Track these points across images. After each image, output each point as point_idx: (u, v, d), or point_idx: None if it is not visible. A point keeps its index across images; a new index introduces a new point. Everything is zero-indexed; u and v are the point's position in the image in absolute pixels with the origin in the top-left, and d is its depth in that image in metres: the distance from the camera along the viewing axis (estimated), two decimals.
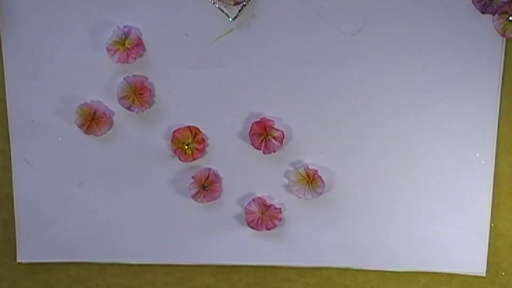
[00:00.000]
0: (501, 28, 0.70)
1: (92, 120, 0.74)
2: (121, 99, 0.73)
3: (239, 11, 0.71)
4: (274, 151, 0.74)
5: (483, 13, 0.70)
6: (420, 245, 0.76)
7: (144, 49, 0.73)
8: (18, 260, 0.78)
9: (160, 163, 0.75)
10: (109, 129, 0.74)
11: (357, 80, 0.73)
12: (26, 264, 0.79)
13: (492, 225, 0.76)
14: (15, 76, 0.74)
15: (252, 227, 0.76)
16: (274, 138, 0.73)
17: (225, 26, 0.72)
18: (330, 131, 0.74)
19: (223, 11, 0.71)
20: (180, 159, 0.74)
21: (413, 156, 0.74)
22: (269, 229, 0.76)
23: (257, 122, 0.73)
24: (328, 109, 0.74)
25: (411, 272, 0.77)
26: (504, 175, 0.75)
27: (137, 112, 0.73)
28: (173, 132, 0.74)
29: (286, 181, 0.75)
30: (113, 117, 0.74)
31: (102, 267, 0.79)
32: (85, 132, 0.74)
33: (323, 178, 0.74)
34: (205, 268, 0.79)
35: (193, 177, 0.75)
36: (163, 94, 0.74)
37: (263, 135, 0.73)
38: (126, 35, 0.72)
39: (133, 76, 0.73)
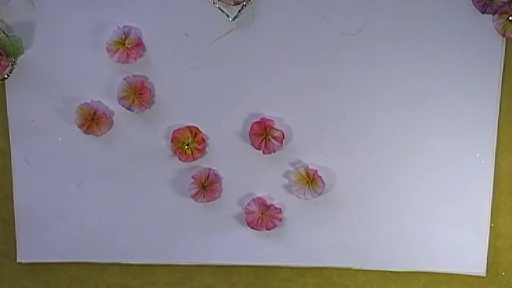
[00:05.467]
0: (501, 28, 0.70)
1: (92, 120, 0.74)
2: (121, 99, 0.73)
3: (239, 11, 0.71)
4: (274, 151, 0.74)
5: (483, 13, 0.70)
6: (420, 245, 0.76)
7: (144, 49, 0.73)
8: (18, 260, 0.78)
9: (160, 163, 0.75)
10: (109, 129, 0.74)
11: (357, 80, 0.73)
12: (26, 264, 0.79)
13: (492, 225, 0.76)
14: (15, 76, 0.74)
15: (252, 227, 0.76)
16: (274, 138, 0.73)
17: (225, 26, 0.72)
18: (330, 131, 0.74)
19: (223, 11, 0.71)
20: (180, 159, 0.74)
21: (413, 156, 0.74)
22: (269, 229, 0.76)
23: (257, 122, 0.73)
24: (328, 109, 0.74)
25: (411, 272, 0.77)
26: (504, 175, 0.75)
27: (137, 112, 0.73)
28: (173, 132, 0.74)
29: (286, 181, 0.75)
30: (113, 117, 0.74)
31: (102, 267, 0.79)
32: (85, 132, 0.74)
33: (323, 178, 0.74)
34: (205, 268, 0.79)
35: (193, 177, 0.75)
36: (163, 94, 0.74)
37: (263, 135, 0.73)
38: (126, 35, 0.72)
39: (133, 76, 0.73)
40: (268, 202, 0.76)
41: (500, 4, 0.70)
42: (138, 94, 0.73)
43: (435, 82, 0.73)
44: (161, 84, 0.74)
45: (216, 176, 0.75)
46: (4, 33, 0.72)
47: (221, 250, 0.77)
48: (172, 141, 0.74)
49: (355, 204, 0.76)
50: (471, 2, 0.70)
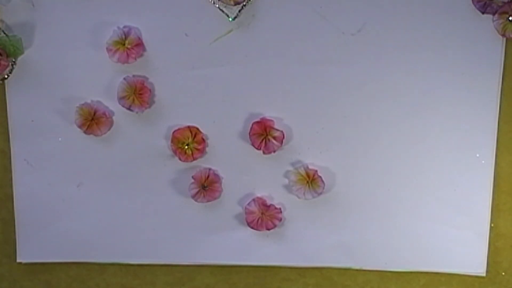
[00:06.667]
0: (501, 28, 0.70)
1: (92, 120, 0.74)
2: (121, 99, 0.73)
3: (239, 11, 0.71)
4: (274, 151, 0.74)
5: (483, 13, 0.70)
6: (420, 245, 0.76)
7: (144, 49, 0.73)
8: (18, 260, 0.78)
9: (160, 163, 0.75)
10: (109, 129, 0.74)
11: (357, 80, 0.73)
12: (26, 264, 0.79)
13: (492, 225, 0.76)
14: (15, 76, 0.74)
15: (252, 227, 0.76)
16: (274, 138, 0.73)
17: (225, 26, 0.72)
18: (330, 131, 0.74)
19: (223, 11, 0.71)
20: (180, 159, 0.74)
21: (413, 156, 0.74)
22: (269, 229, 0.76)
23: (257, 122, 0.73)
24: (328, 109, 0.74)
25: (411, 272, 0.77)
26: (504, 175, 0.75)
27: (137, 112, 0.73)
28: (173, 132, 0.74)
29: (286, 181, 0.75)
30: (113, 117, 0.74)
31: (102, 267, 0.79)
32: (85, 132, 0.74)
33: (323, 178, 0.74)
34: (205, 268, 0.79)
35: (193, 177, 0.75)
36: (163, 94, 0.74)
37: (263, 135, 0.73)
38: (126, 35, 0.72)
39: (133, 76, 0.73)
40: (268, 202, 0.76)
41: (500, 4, 0.70)
42: (138, 94, 0.73)
43: (435, 82, 0.73)
44: (161, 84, 0.74)
45: (216, 176, 0.75)
46: (4, 33, 0.72)
47: (221, 250, 0.77)
48: (172, 141, 0.74)
49: (355, 204, 0.76)
50: (471, 2, 0.70)
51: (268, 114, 0.74)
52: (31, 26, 0.72)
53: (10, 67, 0.73)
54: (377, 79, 0.73)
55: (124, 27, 0.72)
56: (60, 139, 0.75)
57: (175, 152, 0.74)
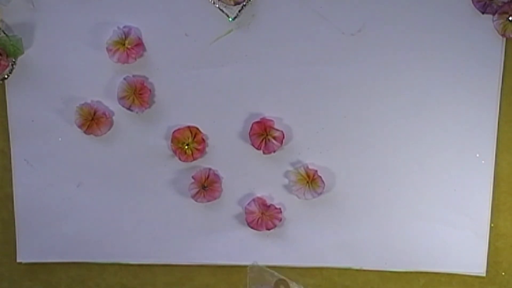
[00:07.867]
0: (501, 28, 0.70)
1: (92, 120, 0.74)
2: (121, 99, 0.73)
3: (239, 11, 0.71)
4: (274, 151, 0.74)
5: (483, 13, 0.70)
6: (420, 245, 0.76)
7: (144, 49, 0.73)
8: (18, 260, 0.78)
9: (160, 163, 0.75)
10: (109, 129, 0.74)
11: (357, 80, 0.73)
12: (26, 264, 0.79)
13: (492, 225, 0.76)
14: (15, 76, 0.74)
15: (252, 227, 0.76)
16: (274, 138, 0.73)
17: (225, 26, 0.72)
18: (330, 131, 0.74)
19: (223, 11, 0.71)
20: (180, 159, 0.74)
21: (413, 156, 0.74)
22: (269, 229, 0.76)
23: (257, 122, 0.73)
24: (328, 109, 0.74)
25: (411, 272, 0.77)
26: (504, 175, 0.75)
27: (137, 112, 0.73)
28: (173, 132, 0.74)
29: (286, 181, 0.75)
30: (113, 117, 0.74)
31: (102, 267, 0.79)
32: (85, 132, 0.74)
33: (323, 178, 0.74)
34: (205, 268, 0.79)
35: (193, 177, 0.75)
36: (163, 94, 0.74)
37: (263, 135, 0.73)
38: (126, 35, 0.72)
39: (133, 76, 0.73)
40: (268, 202, 0.76)
41: (500, 4, 0.70)
42: (138, 94, 0.73)
43: (435, 82, 0.73)
44: (161, 84, 0.74)
45: (216, 176, 0.75)
46: (4, 33, 0.72)
47: (221, 250, 0.77)
48: (172, 141, 0.74)
49: (355, 204, 0.76)
50: (471, 2, 0.70)
51: (268, 114, 0.74)
52: (31, 26, 0.72)
53: (10, 67, 0.73)
54: (377, 79, 0.73)
55: (124, 27, 0.72)
56: (60, 139, 0.75)
57: (175, 152, 0.74)
